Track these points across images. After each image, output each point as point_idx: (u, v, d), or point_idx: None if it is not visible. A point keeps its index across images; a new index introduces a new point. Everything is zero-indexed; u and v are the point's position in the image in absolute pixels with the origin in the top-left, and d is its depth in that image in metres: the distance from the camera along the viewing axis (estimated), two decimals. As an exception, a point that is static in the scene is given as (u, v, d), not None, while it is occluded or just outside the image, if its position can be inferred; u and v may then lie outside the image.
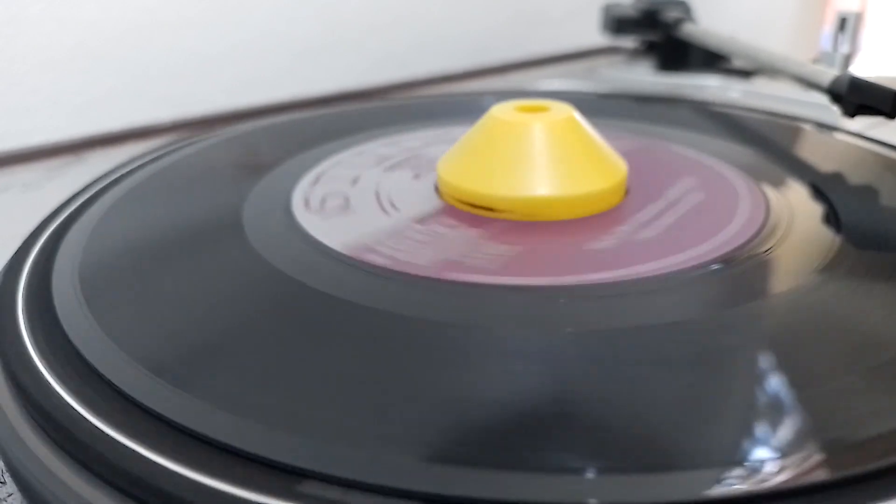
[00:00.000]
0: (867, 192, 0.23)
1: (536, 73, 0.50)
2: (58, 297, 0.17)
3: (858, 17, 0.37)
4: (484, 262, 0.19)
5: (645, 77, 0.43)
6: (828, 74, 0.26)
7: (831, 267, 0.18)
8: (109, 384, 0.14)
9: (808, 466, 0.12)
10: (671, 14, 0.42)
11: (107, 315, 0.16)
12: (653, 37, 0.44)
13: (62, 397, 0.14)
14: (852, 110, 0.24)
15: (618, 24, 0.43)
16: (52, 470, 0.13)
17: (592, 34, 0.46)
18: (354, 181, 0.25)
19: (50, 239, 0.21)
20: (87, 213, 0.22)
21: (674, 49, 0.42)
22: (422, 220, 0.21)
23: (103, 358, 0.15)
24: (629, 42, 0.47)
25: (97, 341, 0.15)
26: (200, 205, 0.23)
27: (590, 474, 0.12)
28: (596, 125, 0.24)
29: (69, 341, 0.16)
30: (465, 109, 0.31)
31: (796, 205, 0.22)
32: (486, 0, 0.49)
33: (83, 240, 0.20)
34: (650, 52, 0.45)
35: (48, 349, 0.15)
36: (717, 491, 0.11)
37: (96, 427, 0.13)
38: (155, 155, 0.27)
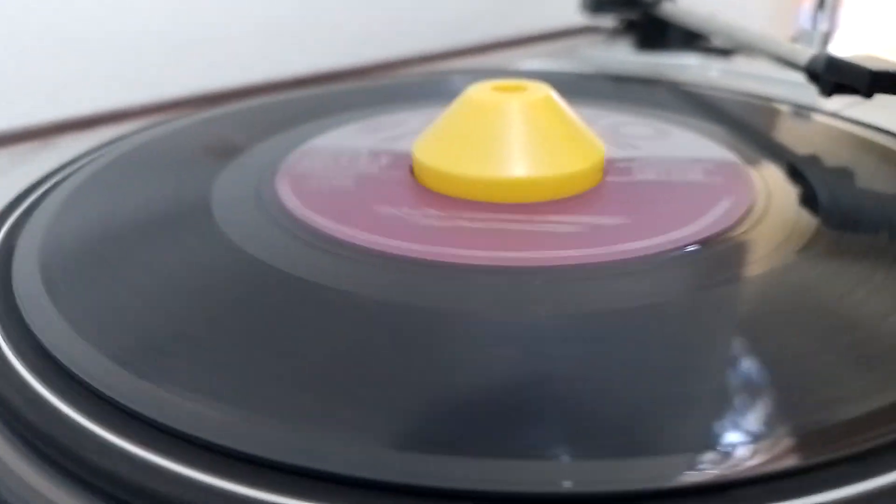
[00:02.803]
0: (844, 173, 0.23)
1: (516, 52, 0.49)
2: (18, 283, 0.17)
3: (837, -5, 0.37)
4: (460, 244, 0.18)
5: (624, 56, 0.43)
6: (805, 53, 0.26)
7: (809, 248, 0.18)
8: (70, 373, 0.14)
9: (784, 450, 0.12)
10: (650, -7, 0.42)
11: (68, 303, 0.16)
12: (631, 16, 0.44)
13: (20, 386, 0.14)
14: (829, 89, 0.24)
15: (596, 3, 0.43)
16: (10, 467, 0.12)
17: (572, 13, 0.46)
18: (328, 164, 0.24)
19: (11, 225, 0.20)
20: (50, 199, 0.22)
21: (653, 28, 0.42)
22: (397, 203, 0.21)
23: (64, 347, 0.14)
24: (608, 21, 0.47)
25: (58, 329, 0.15)
26: (168, 189, 0.22)
27: (564, 459, 0.12)
28: (575, 105, 0.23)
29: (29, 330, 0.15)
30: (440, 90, 0.30)
31: (774, 186, 0.22)
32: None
33: (45, 225, 0.20)
34: (629, 31, 0.45)
35: (7, 338, 0.15)
36: (693, 476, 0.11)
37: (57, 418, 0.13)
38: (122, 138, 0.27)
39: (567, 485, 0.11)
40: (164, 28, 0.37)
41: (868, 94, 0.22)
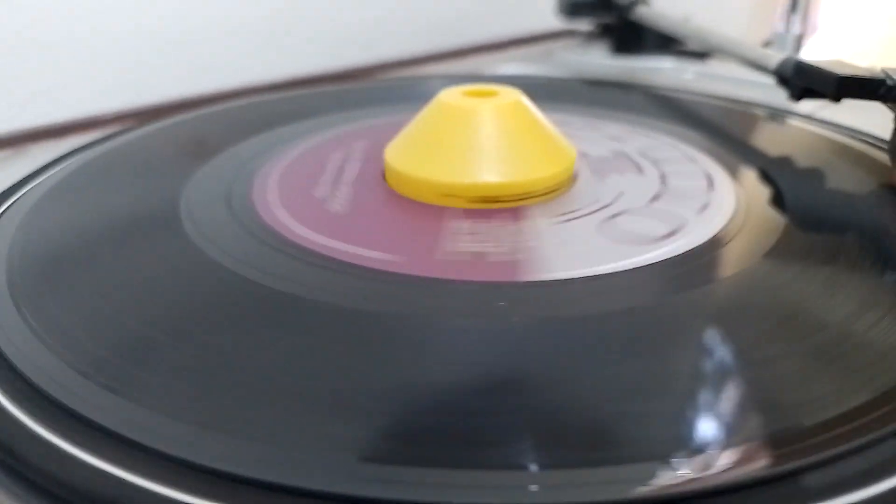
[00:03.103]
0: (813, 176, 0.23)
1: (494, 56, 0.50)
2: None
3: (809, -1, 0.37)
4: (427, 252, 0.18)
5: (600, 60, 0.43)
6: (775, 57, 0.26)
7: (776, 251, 0.18)
8: (35, 387, 0.14)
9: (754, 454, 0.12)
10: (625, -4, 0.42)
11: (35, 313, 0.16)
12: (607, 20, 0.44)
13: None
14: (798, 93, 0.24)
15: (572, 7, 0.43)
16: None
17: (549, 17, 0.46)
18: (301, 168, 0.24)
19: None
20: (15, 206, 0.21)
21: (628, 32, 0.42)
22: (369, 209, 0.21)
23: (29, 358, 0.14)
24: (584, 25, 0.47)
25: (21, 338, 0.15)
26: (137, 195, 0.22)
27: (533, 469, 0.12)
28: (547, 110, 0.23)
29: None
30: (417, 94, 0.30)
31: (743, 189, 0.22)
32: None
33: (10, 233, 0.20)
34: (605, 35, 0.45)
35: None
36: (661, 483, 0.11)
37: (22, 430, 0.13)
38: (93, 143, 0.27)
39: (534, 489, 0.11)
40: (139, 34, 0.37)
41: (836, 98, 0.23)
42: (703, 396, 0.13)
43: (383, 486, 0.11)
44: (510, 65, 0.43)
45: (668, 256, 0.18)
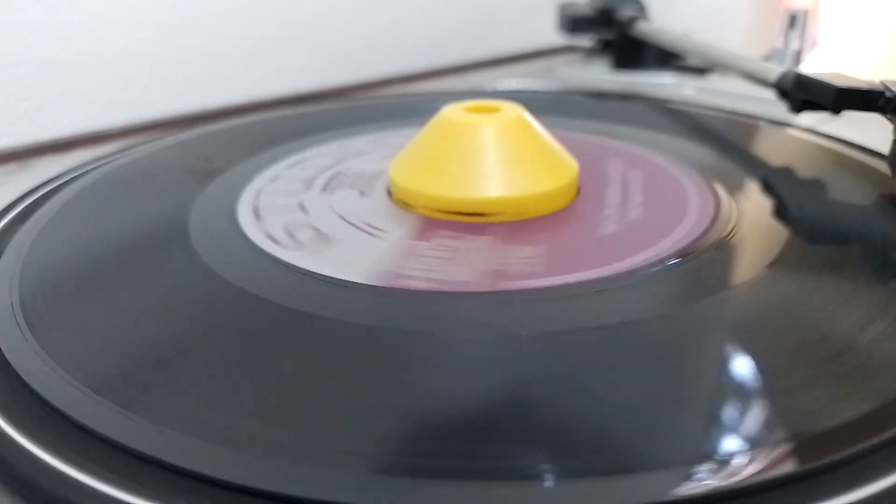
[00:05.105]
0: (815, 187, 0.24)
1: (495, 72, 0.50)
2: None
3: (807, 14, 0.38)
4: (435, 266, 0.18)
5: (601, 75, 0.43)
6: (774, 71, 0.26)
7: (780, 261, 0.18)
8: (47, 404, 0.14)
9: (766, 461, 0.12)
10: (625, 13, 0.42)
11: (46, 331, 0.16)
12: (608, 35, 0.44)
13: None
14: (798, 106, 0.25)
15: (573, 23, 0.43)
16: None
17: (550, 33, 0.46)
18: (305, 185, 0.24)
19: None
20: (27, 224, 0.21)
21: (629, 47, 0.43)
22: (374, 224, 0.21)
23: (40, 376, 0.14)
24: (586, 41, 0.47)
25: (34, 359, 0.15)
26: (146, 213, 0.22)
27: (550, 482, 0.12)
28: (549, 125, 0.23)
29: (4, 359, 0.15)
30: (419, 110, 0.31)
31: (746, 200, 0.22)
32: (444, 0, 0.49)
33: (22, 251, 0.20)
34: (606, 50, 0.46)
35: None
36: (670, 490, 0.11)
37: (34, 451, 0.13)
38: (100, 161, 0.27)
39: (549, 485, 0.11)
40: (142, 49, 0.37)
41: (835, 110, 0.23)
42: (711, 405, 0.13)
43: (393, 497, 0.11)
44: (512, 80, 0.43)
45: (672, 267, 0.18)
